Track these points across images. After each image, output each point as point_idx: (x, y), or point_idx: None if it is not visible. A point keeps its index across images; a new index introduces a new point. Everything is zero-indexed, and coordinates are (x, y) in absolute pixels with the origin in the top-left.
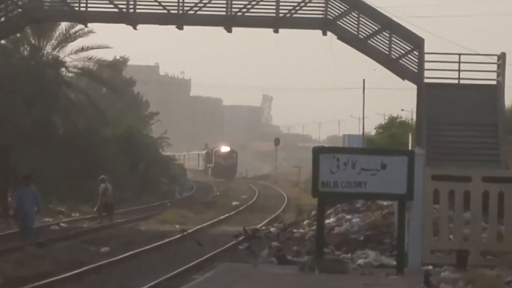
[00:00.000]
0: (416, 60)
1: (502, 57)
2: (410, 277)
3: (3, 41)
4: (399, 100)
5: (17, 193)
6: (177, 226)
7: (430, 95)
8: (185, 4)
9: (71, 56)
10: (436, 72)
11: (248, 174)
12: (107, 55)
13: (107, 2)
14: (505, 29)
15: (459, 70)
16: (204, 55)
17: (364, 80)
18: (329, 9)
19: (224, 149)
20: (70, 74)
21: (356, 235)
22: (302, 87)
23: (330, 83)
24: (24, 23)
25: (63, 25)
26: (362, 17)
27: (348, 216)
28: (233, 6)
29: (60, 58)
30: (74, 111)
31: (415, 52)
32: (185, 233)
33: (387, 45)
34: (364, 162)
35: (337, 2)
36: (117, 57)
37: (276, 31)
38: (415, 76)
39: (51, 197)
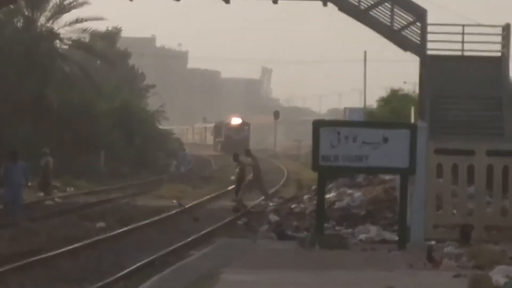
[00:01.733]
0: (419, 32)
1: (506, 29)
2: (412, 253)
3: None
4: (401, 72)
5: (4, 169)
6: (174, 201)
7: (433, 68)
8: None
9: (66, 28)
10: (439, 44)
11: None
12: (101, 27)
13: None
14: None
15: (462, 42)
16: (201, 27)
17: (365, 52)
18: None
19: (235, 121)
20: (65, 47)
21: (357, 210)
22: (302, 60)
23: (331, 55)
24: None
25: None
26: None
27: (349, 191)
28: None
29: (54, 30)
30: (69, 85)
31: (417, 24)
32: (184, 207)
33: (389, 17)
34: (366, 135)
35: None
36: (110, 28)
37: (275, 2)
38: (418, 48)
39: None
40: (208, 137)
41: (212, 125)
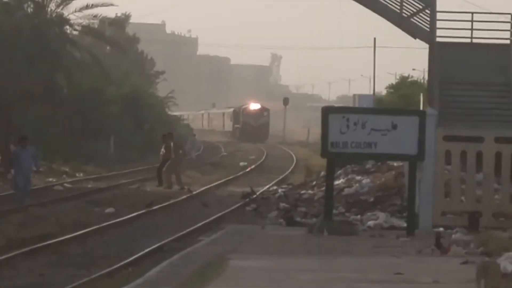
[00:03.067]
0: (428, 19)
1: None
2: (420, 239)
3: None
4: (410, 59)
5: (13, 155)
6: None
7: (442, 55)
8: None
9: (76, 13)
10: (448, 31)
11: None
12: (110, 13)
13: None
14: None
15: (471, 29)
16: (211, 13)
17: (374, 39)
18: None
19: (254, 106)
20: (75, 32)
21: (366, 197)
22: (311, 46)
23: (340, 42)
24: None
25: None
26: None
27: (358, 177)
28: None
29: (64, 16)
30: (78, 70)
31: (426, 11)
32: (192, 193)
33: (399, 3)
34: (375, 122)
35: None
36: (119, 15)
37: None
38: (427, 35)
39: (55, 157)
40: (226, 123)
41: (231, 110)
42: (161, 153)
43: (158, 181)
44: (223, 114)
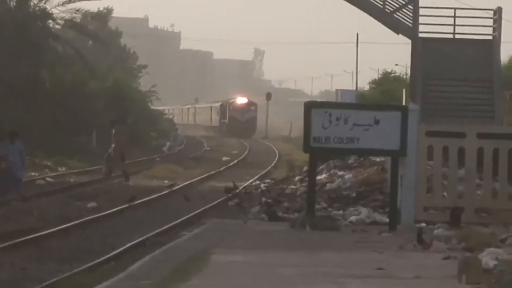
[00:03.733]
0: (411, 14)
1: (498, 12)
2: (402, 235)
3: None
4: (393, 55)
5: (2, 149)
6: (166, 181)
7: (424, 50)
8: None
9: (58, 7)
10: (431, 26)
11: None
12: (93, 8)
13: None
14: None
15: (454, 25)
16: (194, 8)
17: (357, 34)
18: None
19: (241, 100)
20: (57, 26)
21: (348, 192)
22: (294, 41)
23: (323, 37)
24: None
25: None
26: None
27: (340, 172)
28: None
29: (47, 10)
30: (61, 65)
31: (409, 6)
32: (174, 188)
33: None
34: (357, 117)
35: None
36: (101, 9)
37: None
38: (410, 31)
39: (38, 151)
40: (214, 118)
41: (218, 104)
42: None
43: (124, 176)
44: (211, 108)
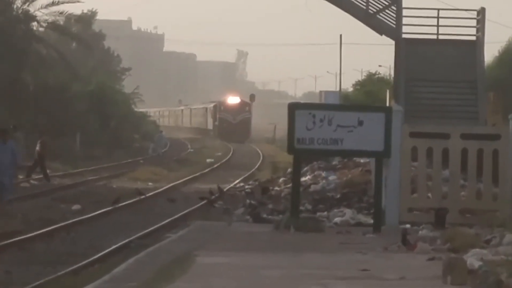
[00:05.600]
0: (394, 15)
1: (481, 12)
2: (387, 236)
3: None
4: (376, 56)
5: None
6: (150, 183)
7: (408, 51)
8: None
9: (42, 10)
10: (415, 27)
11: None
12: (76, 10)
13: None
14: None
15: (437, 26)
16: (177, 10)
17: (341, 35)
18: None
19: (232, 100)
20: (41, 29)
21: (332, 193)
22: (278, 43)
23: (307, 39)
24: None
25: None
26: None
27: (325, 174)
28: None
29: (30, 13)
30: (45, 67)
31: (392, 7)
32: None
33: (365, 0)
34: (341, 118)
35: None
36: (85, 11)
37: None
38: (393, 32)
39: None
40: (209, 121)
41: (212, 105)
42: (37, 148)
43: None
44: (206, 109)
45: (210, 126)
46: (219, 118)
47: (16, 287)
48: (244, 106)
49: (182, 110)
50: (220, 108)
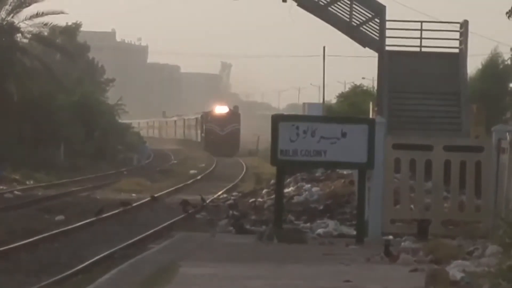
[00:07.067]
0: (377, 28)
1: (464, 25)
2: (370, 247)
3: None
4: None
5: None
6: (133, 194)
7: (391, 63)
8: None
9: (26, 21)
10: (398, 40)
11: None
12: (61, 22)
13: None
14: None
15: (421, 38)
16: (161, 22)
17: (324, 47)
18: None
19: (220, 109)
20: (25, 40)
21: (315, 204)
22: (261, 55)
23: (290, 51)
24: None
25: None
26: None
27: (308, 185)
28: None
29: (15, 24)
30: (29, 78)
31: (376, 20)
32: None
33: (348, 12)
34: (324, 130)
35: None
36: (69, 23)
37: None
38: (376, 44)
39: (5, 164)
40: (198, 132)
41: (200, 115)
42: None
43: None
44: (196, 120)
45: (199, 138)
46: (206, 129)
47: None
48: (233, 117)
49: (175, 121)
50: (207, 118)
